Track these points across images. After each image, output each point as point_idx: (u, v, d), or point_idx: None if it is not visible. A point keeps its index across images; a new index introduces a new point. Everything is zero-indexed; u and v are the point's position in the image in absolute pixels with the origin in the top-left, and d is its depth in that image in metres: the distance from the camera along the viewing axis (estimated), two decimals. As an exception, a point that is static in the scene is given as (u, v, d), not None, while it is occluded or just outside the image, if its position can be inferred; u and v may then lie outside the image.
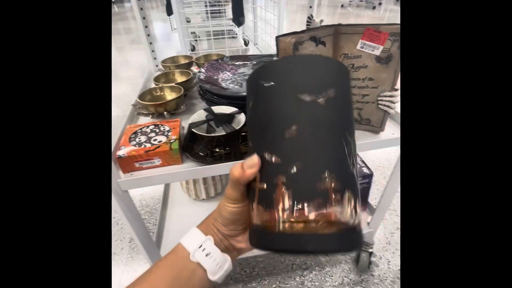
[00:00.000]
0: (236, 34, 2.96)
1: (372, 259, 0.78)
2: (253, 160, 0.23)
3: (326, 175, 0.20)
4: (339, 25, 0.45)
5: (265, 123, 0.23)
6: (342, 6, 4.90)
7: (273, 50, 1.91)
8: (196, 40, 2.68)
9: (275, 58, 0.69)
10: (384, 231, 0.92)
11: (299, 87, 0.22)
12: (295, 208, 0.20)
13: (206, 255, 0.26)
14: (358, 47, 0.45)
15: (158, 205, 1.04)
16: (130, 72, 2.35)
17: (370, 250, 0.76)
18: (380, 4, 4.87)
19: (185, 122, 0.57)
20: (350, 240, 0.21)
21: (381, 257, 0.83)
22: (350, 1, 5.18)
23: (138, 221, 0.52)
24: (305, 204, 0.20)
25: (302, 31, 0.42)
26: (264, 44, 2.36)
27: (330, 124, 0.21)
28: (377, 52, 0.44)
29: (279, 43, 0.39)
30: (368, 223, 0.72)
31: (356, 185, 0.22)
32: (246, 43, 2.64)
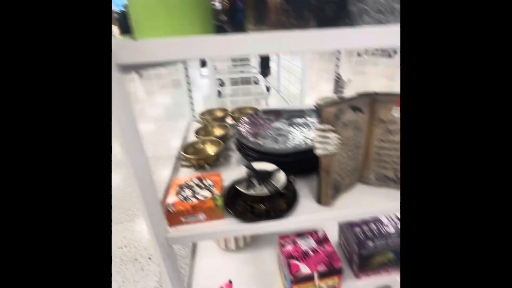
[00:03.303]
0: (258, 80, 3.16)
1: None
2: None
3: None
4: (376, 94, 0.49)
5: None
6: (358, 54, 5.16)
7: (294, 97, 2.00)
8: (221, 85, 2.88)
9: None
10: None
11: None
12: None
13: None
14: (393, 112, 0.49)
15: (184, 250, 1.04)
16: (157, 112, 2.53)
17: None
18: (395, 52, 5.09)
19: (224, 174, 0.60)
20: None
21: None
22: (366, 50, 5.46)
23: (176, 273, 0.52)
24: None
25: (342, 101, 0.46)
26: (286, 91, 2.49)
27: None
28: (413, 119, 0.47)
29: (322, 113, 0.43)
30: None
31: None
32: (268, 89, 2.80)
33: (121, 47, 0.29)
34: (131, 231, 1.12)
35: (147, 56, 0.30)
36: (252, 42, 0.30)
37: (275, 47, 0.31)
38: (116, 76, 0.30)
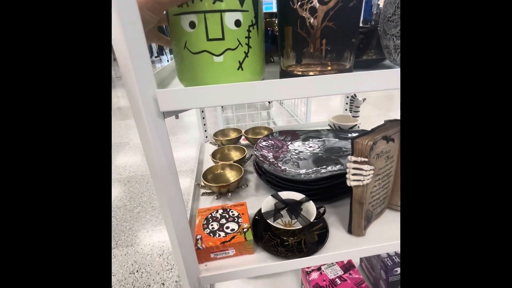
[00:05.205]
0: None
1: None
2: None
3: None
4: (404, 121, 0.48)
5: None
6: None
7: (298, 112, 2.00)
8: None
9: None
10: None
11: None
12: None
13: None
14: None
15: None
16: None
17: None
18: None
19: (246, 200, 0.58)
20: None
21: None
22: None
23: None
24: None
25: (375, 132, 0.45)
26: (290, 104, 2.50)
27: None
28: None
29: (355, 145, 0.43)
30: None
31: None
32: (269, 101, 2.81)
33: (164, 95, 0.28)
34: (142, 254, 1.09)
35: (190, 104, 0.29)
36: (299, 86, 0.29)
37: (323, 90, 0.30)
38: (159, 122, 0.29)
